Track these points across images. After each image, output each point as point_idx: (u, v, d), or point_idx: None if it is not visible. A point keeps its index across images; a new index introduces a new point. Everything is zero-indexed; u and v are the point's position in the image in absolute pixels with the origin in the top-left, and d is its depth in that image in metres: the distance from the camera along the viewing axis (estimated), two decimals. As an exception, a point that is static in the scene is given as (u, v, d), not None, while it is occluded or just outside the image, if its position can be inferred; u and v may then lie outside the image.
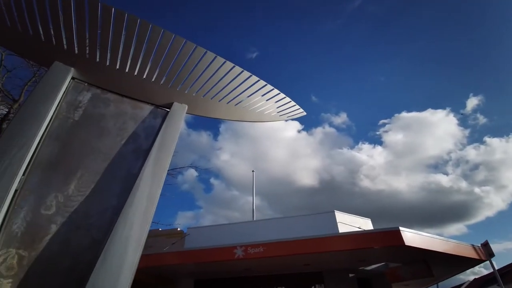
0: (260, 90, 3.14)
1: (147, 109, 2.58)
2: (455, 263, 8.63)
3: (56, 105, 2.09)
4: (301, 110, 3.81)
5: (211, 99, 2.93)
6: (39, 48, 2.36)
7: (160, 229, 13.47)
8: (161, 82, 2.67)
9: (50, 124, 2.00)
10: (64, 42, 2.33)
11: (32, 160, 1.78)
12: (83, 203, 1.81)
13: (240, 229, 12.67)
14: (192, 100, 2.85)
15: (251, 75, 3.03)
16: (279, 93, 3.37)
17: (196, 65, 2.66)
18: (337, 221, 11.18)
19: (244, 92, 3.04)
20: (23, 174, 1.71)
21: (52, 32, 2.29)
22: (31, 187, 1.74)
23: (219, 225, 13.93)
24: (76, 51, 2.37)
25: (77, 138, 2.07)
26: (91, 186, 1.90)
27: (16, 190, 1.65)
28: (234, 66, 2.88)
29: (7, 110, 5.80)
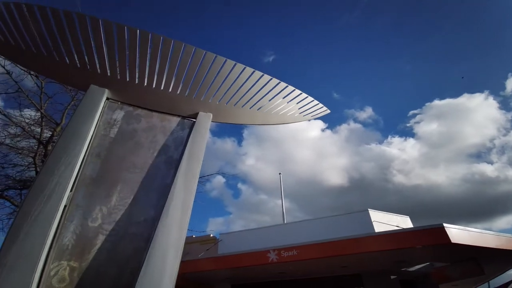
0: (281, 92, 3.13)
1: (174, 121, 2.69)
2: (508, 259, 7.81)
3: (95, 125, 2.26)
4: (324, 108, 3.73)
5: (234, 105, 2.99)
6: (76, 74, 2.58)
7: (193, 236, 13.84)
8: (186, 94, 2.77)
9: (91, 142, 2.16)
10: (98, 67, 2.52)
11: (78, 177, 1.93)
12: (124, 214, 1.92)
13: (272, 233, 12.61)
14: (216, 108, 2.92)
15: (271, 78, 3.04)
16: (301, 93, 3.33)
17: (217, 74, 2.73)
18: (372, 220, 10.68)
19: (266, 96, 3.05)
20: (71, 191, 1.86)
21: (86, 59, 2.49)
22: (78, 202, 1.88)
23: (251, 230, 13.98)
24: (109, 74, 2.55)
25: (115, 154, 2.22)
26: (131, 198, 2.02)
27: (65, 206, 1.79)
28: (254, 71, 2.92)
29: (51, 133, 6.39)
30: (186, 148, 2.44)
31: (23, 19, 2.33)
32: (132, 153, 2.27)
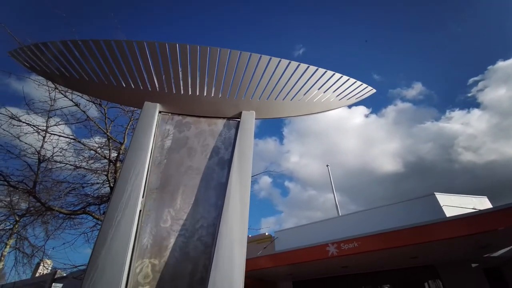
0: (321, 79, 3.04)
1: (220, 123, 2.81)
2: None
3: (153, 137, 2.48)
4: (369, 88, 3.51)
5: (275, 100, 2.99)
6: (131, 95, 2.87)
7: (249, 236, 14.23)
8: (228, 96, 2.88)
9: (152, 153, 2.38)
10: (148, 85, 2.78)
11: (146, 185, 2.14)
12: (189, 214, 2.08)
13: (328, 226, 12.25)
14: (258, 105, 2.96)
15: (308, 66, 2.97)
16: (342, 76, 3.19)
17: (255, 71, 2.78)
18: (442, 205, 9.61)
19: (306, 85, 3.00)
20: (142, 197, 2.07)
21: (138, 80, 2.77)
22: (149, 207, 2.09)
23: (306, 225, 13.78)
24: (158, 89, 2.79)
25: (173, 160, 2.41)
26: (192, 199, 2.17)
27: (140, 211, 2.00)
28: (290, 62, 2.90)
29: (117, 152, 7.25)
30: (235, 147, 2.52)
31: (81, 54, 2.69)
32: (188, 158, 2.43)
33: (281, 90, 2.98)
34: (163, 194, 2.18)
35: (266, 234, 15.87)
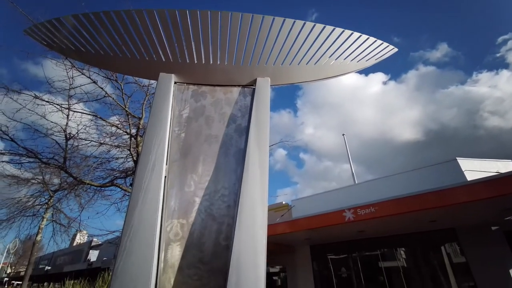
0: (338, 39, 2.89)
1: (235, 91, 2.80)
2: None
3: (171, 107, 2.54)
4: (391, 46, 3.30)
5: (290, 64, 2.91)
6: (146, 67, 2.89)
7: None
8: (242, 63, 2.82)
9: (171, 123, 2.45)
10: (162, 56, 2.77)
11: (168, 152, 2.24)
12: (211, 179, 2.18)
13: (345, 194, 12.41)
14: (273, 71, 2.90)
15: (324, 26, 2.81)
16: (360, 36, 3.01)
17: (268, 35, 2.68)
18: (463, 170, 9.37)
19: (322, 47, 2.86)
20: (166, 164, 2.17)
21: (152, 51, 2.76)
22: (173, 173, 2.20)
23: (322, 193, 14.02)
24: (171, 59, 2.78)
25: (192, 129, 2.47)
26: (213, 165, 2.26)
27: (165, 177, 2.11)
28: (304, 23, 2.75)
29: (136, 128, 7.52)
30: (252, 114, 2.53)
31: (94, 27, 2.69)
32: (206, 127, 2.49)
33: (296, 54, 2.88)
34: (185, 161, 2.28)
35: (283, 203, 16.39)
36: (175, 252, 1.91)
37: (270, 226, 10.16)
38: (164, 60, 2.79)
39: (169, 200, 2.09)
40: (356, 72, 3.34)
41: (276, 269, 16.70)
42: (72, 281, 5.44)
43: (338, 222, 8.21)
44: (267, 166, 2.12)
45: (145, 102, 7.52)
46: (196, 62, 2.80)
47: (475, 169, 9.39)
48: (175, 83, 2.80)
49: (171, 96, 2.62)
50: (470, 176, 8.95)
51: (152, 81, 7.88)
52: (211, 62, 2.81)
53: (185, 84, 2.82)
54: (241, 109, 2.67)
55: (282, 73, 2.97)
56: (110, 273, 5.32)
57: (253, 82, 2.84)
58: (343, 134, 17.92)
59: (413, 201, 7.00)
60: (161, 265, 1.84)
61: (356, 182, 14.99)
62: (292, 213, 14.04)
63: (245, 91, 2.82)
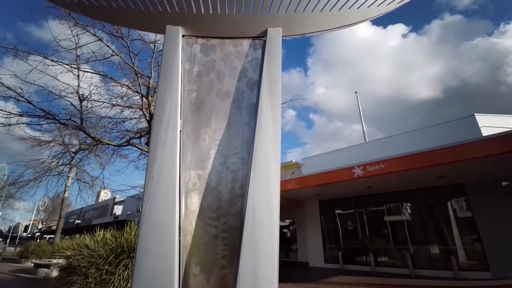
0: (357, -20, 2.62)
1: (246, 43, 2.69)
2: None
3: (180, 62, 2.49)
4: (416, -13, 2.98)
5: (303, 12, 2.71)
6: (151, 19, 2.77)
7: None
8: (251, 12, 2.66)
9: (182, 78, 2.44)
10: (168, 7, 2.63)
11: (181, 107, 2.28)
12: (225, 133, 2.24)
13: (355, 153, 12.48)
14: (285, 20, 2.73)
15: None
16: (382, -26, 2.71)
17: (280, -21, 2.47)
18: (480, 126, 9.10)
19: (338, -10, 2.62)
20: (180, 119, 2.22)
21: (157, 3, 2.62)
22: (188, 127, 2.27)
23: (332, 152, 14.15)
24: (178, 10, 2.64)
25: (203, 84, 2.46)
26: (226, 120, 2.29)
27: (180, 131, 2.18)
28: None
29: (146, 87, 7.51)
30: (263, 67, 2.47)
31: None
32: (217, 81, 2.47)
33: (309, 0, 2.66)
34: (198, 116, 2.33)
35: (293, 161, 16.75)
36: (194, 200, 2.07)
37: (280, 183, 10.56)
38: (170, 11, 2.66)
39: (185, 153, 2.18)
40: (375, 18, 3.08)
41: (286, 222, 17.84)
42: (102, 230, 6.03)
43: (347, 178, 8.42)
44: (279, 119, 2.14)
45: (152, 60, 7.37)
46: (203, 12, 2.66)
47: (493, 125, 9.08)
48: (183, 36, 2.70)
49: (180, 50, 2.55)
50: (487, 133, 8.71)
51: (158, 38, 7.60)
52: (219, 12, 2.66)
53: (193, 37, 2.72)
54: (252, 63, 2.60)
55: (294, 22, 2.79)
56: (136, 222, 5.86)
57: (264, 34, 2.71)
58: (355, 92, 17.33)
59: (423, 157, 7.00)
60: (183, 210, 2.01)
61: (367, 140, 14.92)
62: (302, 171, 14.42)
63: (256, 43, 2.71)
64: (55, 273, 8.90)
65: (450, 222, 9.52)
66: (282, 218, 15.74)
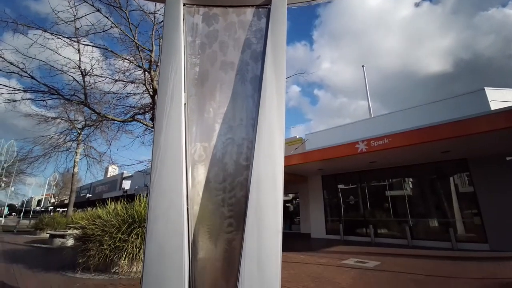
0: None
1: (249, 12, 2.60)
2: None
3: (182, 33, 2.43)
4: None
5: (310, -24, 2.58)
6: (152, -13, 2.66)
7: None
8: (255, -23, 2.53)
9: (185, 50, 2.39)
10: (166, -29, 2.51)
11: (185, 80, 2.27)
12: (229, 106, 2.25)
13: (360, 128, 12.40)
14: (290, -15, 2.60)
15: None
16: None
17: None
18: (489, 100, 8.88)
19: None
20: (184, 92, 2.22)
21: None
22: (192, 100, 2.27)
23: (336, 127, 14.08)
24: (177, -24, 2.52)
25: (206, 56, 2.42)
26: (230, 93, 2.29)
27: (185, 104, 2.19)
28: None
29: (148, 61, 7.37)
30: (267, 38, 2.40)
31: None
32: (221, 53, 2.42)
33: (317, -38, 2.52)
34: (202, 89, 2.32)
35: (297, 137, 16.77)
36: (201, 171, 2.13)
37: (284, 158, 10.68)
38: (170, -23, 2.54)
39: (190, 126, 2.21)
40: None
41: (289, 197, 18.30)
42: (113, 203, 6.28)
43: (351, 153, 8.47)
44: (284, 90, 2.13)
45: (153, 33, 7.15)
46: (205, -22, 2.54)
47: (503, 99, 8.85)
48: (184, 5, 2.60)
49: (181, 19, 2.48)
50: (496, 108, 8.52)
51: (158, 8, 7.30)
52: (221, -22, 2.54)
53: (194, 6, 2.62)
54: (256, 33, 2.53)
55: (300, -12, 2.66)
56: (144, 196, 6.08)
57: (268, 1, 2.59)
58: (362, 66, 16.79)
59: (428, 132, 6.95)
60: (190, 181, 2.08)
61: (372, 116, 14.73)
62: (306, 146, 14.49)
63: (260, 12, 2.61)
64: (70, 242, 9.46)
65: (451, 196, 9.67)
66: (285, 193, 16.12)
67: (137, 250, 4.99)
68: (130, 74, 7.81)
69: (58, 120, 13.40)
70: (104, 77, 7.66)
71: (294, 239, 12.43)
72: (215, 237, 2.04)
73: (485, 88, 9.13)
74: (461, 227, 9.33)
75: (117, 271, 5.11)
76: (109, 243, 4.99)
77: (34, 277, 4.92)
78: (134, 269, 5.15)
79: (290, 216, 17.48)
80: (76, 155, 15.61)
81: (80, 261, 5.17)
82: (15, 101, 7.86)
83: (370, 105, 15.77)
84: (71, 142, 15.09)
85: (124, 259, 4.97)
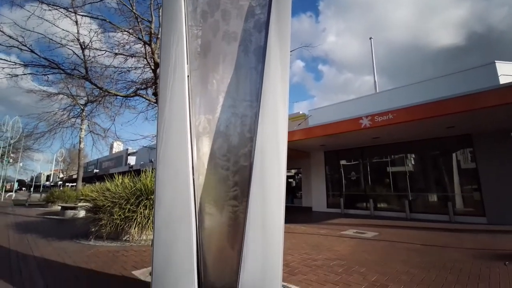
0: None
1: (253, -22, 2.47)
2: None
3: (183, 3, 2.35)
4: None
5: None
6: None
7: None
8: None
9: (186, 21, 2.33)
10: None
11: (187, 51, 2.23)
12: (233, 78, 2.23)
13: (365, 104, 12.23)
14: None
15: None
16: None
17: None
18: (499, 74, 8.61)
19: None
20: (187, 63, 2.20)
21: None
22: (195, 72, 2.25)
23: (340, 103, 13.89)
24: None
25: (208, 26, 2.35)
26: (234, 64, 2.26)
27: (187, 76, 2.18)
28: None
29: (148, 34, 7.16)
30: (272, 6, 2.31)
31: None
32: (223, 22, 2.35)
33: None
34: (205, 60, 2.29)
35: (300, 112, 16.63)
36: (205, 142, 2.18)
37: (287, 133, 10.69)
38: None
39: (194, 98, 2.22)
40: None
41: (291, 172, 18.58)
42: (120, 176, 6.47)
43: (354, 128, 8.43)
44: (288, 62, 2.09)
45: (152, 2, 6.85)
46: None
47: (514, 73, 8.57)
48: (184, -30, 2.48)
49: (182, -13, 2.37)
50: (505, 81, 8.28)
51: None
52: None
53: (196, -28, 2.50)
54: (259, 1, 2.43)
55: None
56: (150, 170, 6.23)
57: (277, -34, 2.46)
58: (370, 38, 16.13)
59: (433, 107, 6.85)
60: (195, 152, 2.13)
61: (378, 91, 14.44)
62: (309, 122, 14.42)
63: (264, -23, 2.48)
64: (82, 213, 9.90)
65: (452, 171, 9.75)
66: (288, 168, 16.35)
67: (146, 220, 5.23)
68: (130, 47, 7.63)
69: (61, 96, 13.37)
70: (104, 50, 7.51)
71: (296, 212, 12.84)
72: (220, 205, 2.13)
73: (495, 61, 8.81)
74: (460, 202, 9.52)
75: (127, 239, 5.41)
76: (119, 213, 5.22)
77: (49, 245, 5.23)
78: (144, 237, 5.44)
79: (293, 190, 17.89)
80: (81, 131, 15.77)
81: (93, 230, 5.46)
82: (16, 75, 7.81)
83: (376, 80, 15.39)
84: (75, 118, 15.19)
85: (134, 228, 5.23)
